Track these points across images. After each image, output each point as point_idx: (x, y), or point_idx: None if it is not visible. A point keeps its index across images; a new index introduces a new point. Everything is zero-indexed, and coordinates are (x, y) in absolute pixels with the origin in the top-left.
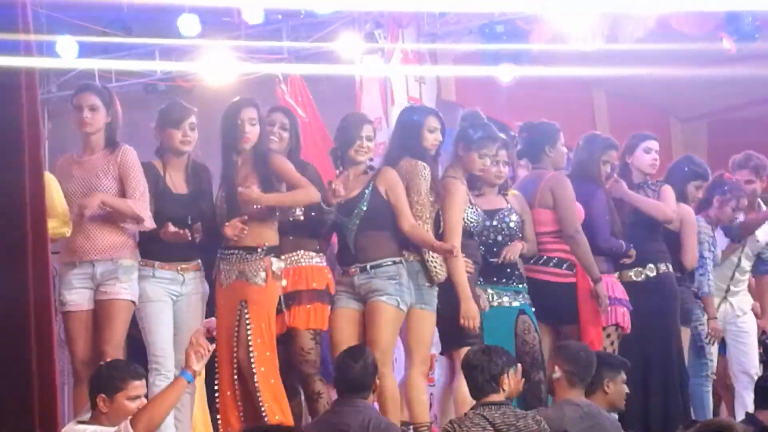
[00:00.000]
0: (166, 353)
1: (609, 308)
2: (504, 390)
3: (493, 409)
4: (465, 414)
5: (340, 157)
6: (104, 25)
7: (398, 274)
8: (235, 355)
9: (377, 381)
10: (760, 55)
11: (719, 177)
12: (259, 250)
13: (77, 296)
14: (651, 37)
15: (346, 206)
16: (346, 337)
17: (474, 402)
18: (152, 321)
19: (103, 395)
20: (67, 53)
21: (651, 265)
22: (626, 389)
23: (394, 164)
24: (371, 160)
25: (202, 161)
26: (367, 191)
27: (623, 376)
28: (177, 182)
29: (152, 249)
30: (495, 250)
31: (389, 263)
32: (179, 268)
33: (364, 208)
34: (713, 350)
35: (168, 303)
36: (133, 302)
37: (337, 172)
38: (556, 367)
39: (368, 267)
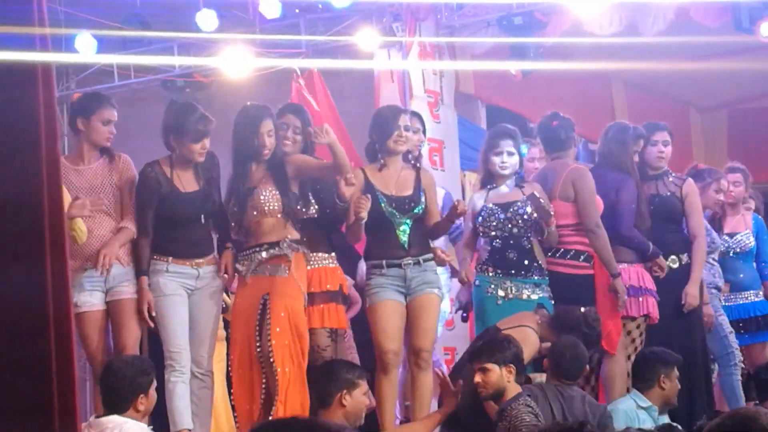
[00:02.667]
0: (181, 348)
1: (641, 298)
2: None
3: None
4: None
5: (378, 149)
6: (122, 21)
7: (436, 269)
8: (258, 347)
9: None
10: None
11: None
12: (281, 243)
13: (91, 297)
14: (670, 28)
15: (398, 202)
16: (395, 327)
17: None
18: (166, 316)
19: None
20: (85, 49)
21: (674, 257)
22: (679, 385)
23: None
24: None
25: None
26: (421, 193)
27: (677, 371)
28: (185, 180)
29: (167, 246)
30: (511, 242)
31: (432, 257)
32: (194, 263)
33: (422, 209)
34: (733, 339)
35: (183, 297)
36: None
37: (378, 165)
38: (545, 361)
39: (421, 260)
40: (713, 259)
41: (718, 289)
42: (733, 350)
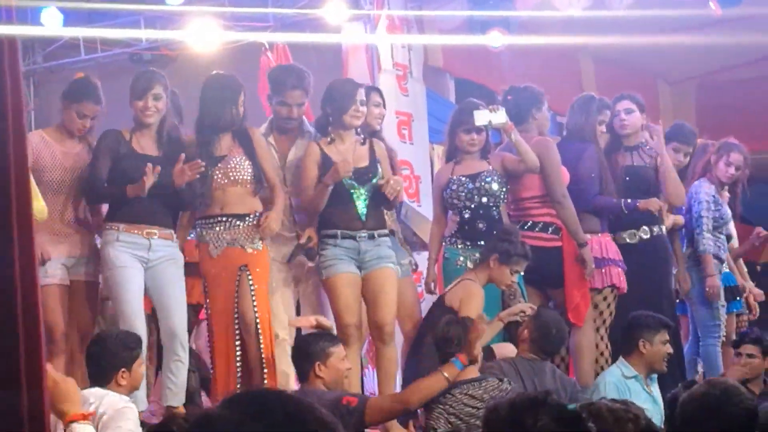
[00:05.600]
0: (137, 324)
1: (604, 269)
2: None
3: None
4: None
5: (331, 123)
6: None
7: (393, 244)
8: (236, 319)
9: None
10: (746, 18)
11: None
12: (250, 216)
13: (61, 271)
14: (638, 1)
15: (357, 173)
16: (354, 301)
17: None
18: (120, 288)
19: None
20: (51, 23)
21: (645, 227)
22: (667, 349)
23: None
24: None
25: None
26: (379, 165)
27: (663, 336)
28: (144, 144)
29: (119, 213)
30: (481, 212)
31: (388, 233)
32: (145, 232)
33: (380, 178)
34: (724, 312)
35: (137, 269)
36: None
37: (328, 139)
38: (526, 331)
39: (376, 235)
40: (719, 232)
41: (721, 261)
42: (721, 323)
